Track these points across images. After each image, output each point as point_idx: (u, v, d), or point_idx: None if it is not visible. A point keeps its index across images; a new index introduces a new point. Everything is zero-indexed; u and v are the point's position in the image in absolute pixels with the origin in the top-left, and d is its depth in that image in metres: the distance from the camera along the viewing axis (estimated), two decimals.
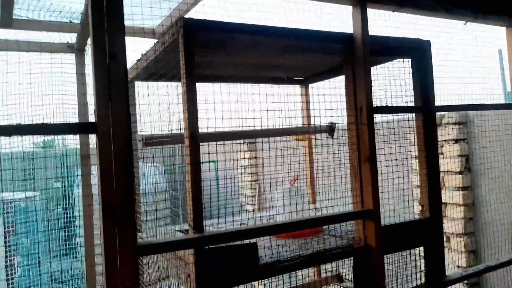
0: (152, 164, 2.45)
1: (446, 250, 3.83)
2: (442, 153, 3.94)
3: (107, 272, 1.41)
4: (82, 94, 2.44)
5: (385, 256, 2.10)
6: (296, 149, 2.90)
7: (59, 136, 3.87)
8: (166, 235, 2.23)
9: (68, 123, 1.57)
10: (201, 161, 1.68)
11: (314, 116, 2.62)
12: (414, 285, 2.37)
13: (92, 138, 2.42)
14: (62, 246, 4.33)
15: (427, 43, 2.39)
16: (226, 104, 1.97)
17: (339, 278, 2.83)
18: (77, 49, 2.55)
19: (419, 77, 2.36)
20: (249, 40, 1.96)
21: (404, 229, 2.25)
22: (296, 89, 3.26)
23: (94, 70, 1.43)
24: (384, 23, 2.38)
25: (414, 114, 2.40)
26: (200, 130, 1.68)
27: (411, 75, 2.40)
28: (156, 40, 1.99)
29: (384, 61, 2.49)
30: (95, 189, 1.50)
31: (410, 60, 2.41)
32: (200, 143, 1.69)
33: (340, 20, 2.19)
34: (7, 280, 4.37)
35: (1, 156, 2.56)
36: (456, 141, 3.85)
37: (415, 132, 2.40)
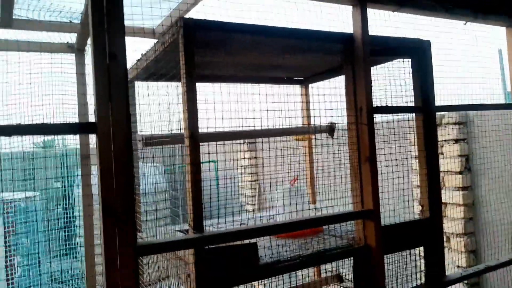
0: (152, 164, 2.45)
1: (446, 250, 3.83)
2: (442, 153, 3.94)
3: (107, 272, 1.41)
4: (82, 94, 2.44)
5: (385, 256, 2.10)
6: (296, 149, 2.90)
7: (59, 136, 3.87)
8: (166, 235, 2.23)
9: (68, 123, 1.57)
10: (201, 161, 1.68)
11: (314, 116, 2.62)
12: (414, 285, 2.37)
13: (92, 138, 2.42)
14: (62, 246, 4.33)
15: (427, 43, 2.39)
16: (226, 104, 1.97)
17: (339, 278, 2.83)
18: (77, 49, 2.55)
19: (419, 77, 2.37)
20: (249, 40, 1.96)
21: (404, 229, 2.25)
22: (296, 89, 3.26)
23: (94, 70, 1.43)
24: (385, 23, 2.38)
25: (414, 114, 2.40)
26: (200, 130, 1.68)
27: (411, 75, 2.40)
28: (156, 40, 1.99)
29: (384, 61, 2.49)
30: (95, 189, 1.50)
31: (410, 60, 2.41)
32: (200, 143, 1.69)
33: (340, 20, 2.19)
34: (7, 280, 4.37)
35: (1, 156, 2.56)
36: (456, 141, 3.85)
37: (415, 132, 2.40)
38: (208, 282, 1.69)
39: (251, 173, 6.67)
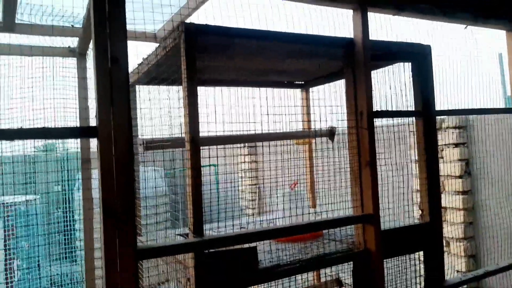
0: (153, 168, 2.45)
1: (445, 254, 3.83)
2: (442, 157, 3.94)
3: (106, 273, 1.41)
4: (83, 98, 2.45)
5: (384, 260, 2.10)
6: (297, 153, 2.91)
7: (60, 140, 3.88)
8: (166, 239, 2.23)
9: (70, 127, 1.57)
10: (201, 165, 1.69)
11: (315, 120, 2.62)
12: None
13: (93, 142, 2.42)
14: (61, 249, 4.32)
15: (428, 48, 2.40)
16: (227, 108, 1.98)
17: (338, 283, 2.83)
18: (79, 53, 2.57)
19: (419, 81, 2.37)
20: (250, 45, 1.97)
21: (404, 234, 2.25)
22: (297, 93, 3.26)
23: (95, 73, 1.44)
24: (385, 26, 2.39)
25: (414, 118, 2.41)
26: (200, 134, 1.69)
27: (411, 79, 2.41)
28: (157, 45, 2.00)
29: (384, 65, 2.49)
30: (96, 193, 1.51)
31: (410, 64, 2.42)
32: (201, 147, 1.69)
33: (339, 24, 2.20)
34: (6, 283, 4.36)
35: (2, 159, 2.56)
36: (456, 145, 3.86)
37: (415, 136, 2.40)
38: (208, 286, 1.69)
39: (251, 177, 6.67)
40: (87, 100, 2.45)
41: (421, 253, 2.36)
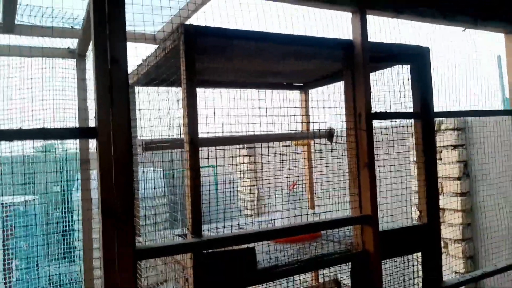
0: (152, 168, 2.46)
1: (444, 256, 3.84)
2: (440, 159, 3.95)
3: (105, 274, 1.41)
4: (82, 99, 2.46)
5: (383, 261, 2.11)
6: (295, 154, 2.92)
7: (59, 141, 3.88)
8: (165, 240, 2.24)
9: (69, 128, 1.58)
10: (200, 165, 1.70)
11: (314, 122, 2.63)
12: None
13: (92, 143, 2.43)
14: (60, 250, 4.32)
15: (426, 50, 2.41)
16: (226, 109, 1.99)
17: (337, 283, 2.83)
18: (78, 55, 2.57)
19: (418, 83, 2.38)
20: (249, 47, 1.98)
21: (402, 235, 2.26)
22: (296, 94, 3.27)
23: (95, 74, 1.44)
24: (385, 28, 2.40)
25: (412, 120, 2.41)
26: (199, 135, 1.70)
27: (410, 81, 2.42)
28: (157, 46, 2.01)
29: (383, 67, 2.50)
30: (94, 194, 1.51)
31: (409, 66, 2.43)
32: (200, 148, 1.70)
33: (338, 26, 2.21)
34: (5, 283, 4.36)
35: (1, 160, 2.57)
36: (455, 147, 3.87)
37: (413, 138, 2.41)
38: (206, 286, 1.69)
39: (250, 178, 6.67)
40: (86, 101, 2.46)
41: (419, 254, 2.37)
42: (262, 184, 6.37)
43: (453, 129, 3.87)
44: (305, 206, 2.60)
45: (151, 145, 2.11)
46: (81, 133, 1.81)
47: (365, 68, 2.06)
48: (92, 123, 1.49)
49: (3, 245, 4.40)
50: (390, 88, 2.42)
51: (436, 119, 3.74)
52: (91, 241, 2.60)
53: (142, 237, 2.32)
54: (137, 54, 2.07)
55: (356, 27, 2.10)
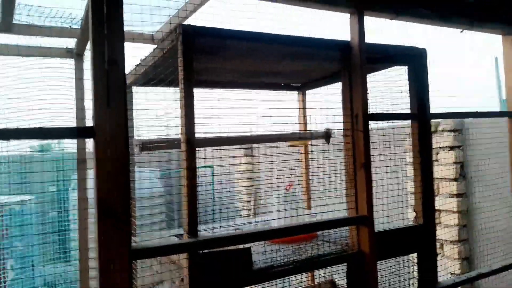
0: (149, 168, 2.46)
1: (440, 257, 3.85)
2: (437, 160, 3.97)
3: (101, 274, 1.41)
4: (80, 99, 2.46)
5: (378, 262, 2.11)
6: (292, 154, 2.92)
7: (56, 140, 3.87)
8: (161, 240, 2.24)
9: (66, 127, 1.57)
10: (197, 166, 1.70)
11: (311, 122, 2.64)
12: None
13: (89, 143, 2.42)
14: (56, 249, 4.32)
15: (423, 51, 2.42)
16: (223, 109, 1.99)
17: (333, 284, 2.84)
18: (76, 54, 2.57)
19: (415, 84, 2.39)
20: (247, 47, 1.99)
21: (398, 235, 2.27)
22: (293, 95, 3.28)
23: (93, 74, 1.45)
24: (382, 29, 2.41)
25: (409, 121, 2.42)
26: (196, 135, 1.70)
27: (407, 82, 2.43)
28: (155, 46, 2.01)
29: (381, 68, 2.51)
30: (91, 193, 1.51)
31: (406, 67, 2.44)
32: (197, 148, 1.70)
33: (337, 27, 2.22)
34: None
35: None
36: (451, 148, 3.88)
37: (410, 139, 2.42)
38: (202, 286, 1.69)
39: (247, 179, 6.68)
40: (84, 101, 2.46)
41: (415, 255, 2.38)
42: (259, 185, 6.38)
43: (450, 131, 3.89)
44: (302, 207, 2.60)
45: (148, 145, 2.11)
46: (79, 132, 1.81)
47: (362, 69, 2.07)
48: (89, 123, 1.49)
49: None
50: (387, 89, 2.43)
51: (433, 121, 3.77)
52: (87, 241, 2.60)
53: (138, 237, 2.32)
54: (135, 54, 2.08)
55: (353, 28, 2.11)
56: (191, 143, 1.68)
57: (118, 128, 1.45)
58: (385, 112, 2.31)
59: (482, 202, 3.74)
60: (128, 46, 1.49)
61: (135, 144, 2.14)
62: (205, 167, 2.03)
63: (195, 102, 1.69)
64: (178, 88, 1.71)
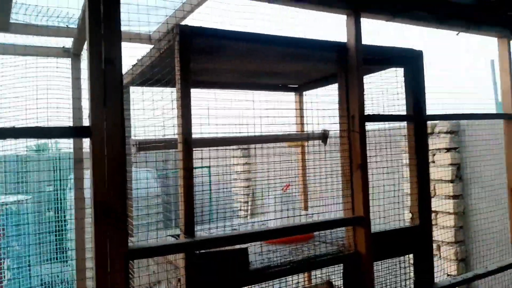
0: (146, 169, 2.46)
1: (436, 258, 3.86)
2: (433, 162, 3.98)
3: (98, 273, 1.41)
4: (77, 98, 2.45)
5: (375, 263, 2.12)
6: (289, 155, 2.93)
7: (52, 140, 3.87)
8: (157, 240, 2.23)
9: (63, 127, 1.57)
10: (194, 166, 1.70)
11: (308, 123, 2.64)
12: None
13: (86, 142, 2.42)
14: (52, 249, 4.30)
15: (420, 53, 2.43)
16: (221, 110, 2.00)
17: (329, 285, 2.85)
18: (73, 54, 2.57)
19: (411, 86, 2.40)
20: (244, 48, 1.99)
21: (394, 236, 2.28)
22: (291, 96, 3.29)
23: (89, 74, 1.45)
24: (380, 31, 2.42)
25: (405, 122, 2.43)
26: (193, 136, 1.70)
27: (403, 84, 2.44)
28: (152, 46, 2.01)
29: (377, 70, 2.52)
30: (88, 193, 1.51)
31: (402, 69, 2.45)
32: (194, 149, 1.71)
33: (335, 27, 2.22)
34: None
35: None
36: (448, 150, 3.89)
37: (406, 140, 2.43)
38: (199, 286, 1.70)
39: (244, 179, 6.68)
40: (81, 100, 2.45)
41: (411, 255, 2.39)
42: (255, 185, 6.38)
43: (447, 132, 3.90)
44: (298, 207, 2.61)
45: (145, 145, 2.11)
46: (75, 132, 1.80)
47: (359, 70, 2.08)
48: (86, 122, 1.49)
49: None
50: (383, 90, 2.43)
51: (430, 122, 3.79)
52: (84, 241, 2.59)
53: (135, 238, 2.32)
54: (132, 54, 2.08)
55: (350, 30, 2.11)
56: (188, 143, 1.68)
57: (115, 128, 1.45)
58: (381, 113, 2.31)
59: (479, 204, 3.75)
60: (125, 46, 1.49)
61: (132, 144, 2.14)
62: (201, 167, 2.03)
63: (192, 103, 1.70)
64: (175, 88, 1.71)
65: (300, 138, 2.99)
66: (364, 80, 2.12)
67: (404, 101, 2.42)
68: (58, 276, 4.24)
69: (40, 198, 4.59)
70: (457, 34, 2.82)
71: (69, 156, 2.61)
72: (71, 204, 3.70)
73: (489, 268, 2.74)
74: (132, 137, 2.24)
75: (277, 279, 2.02)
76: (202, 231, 2.32)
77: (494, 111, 3.90)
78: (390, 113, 2.37)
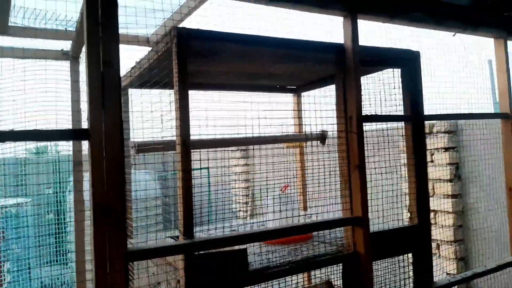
0: (145, 170, 2.46)
1: (436, 257, 3.87)
2: (432, 161, 3.99)
3: (97, 275, 1.42)
4: (76, 101, 2.46)
5: (374, 262, 2.13)
6: (288, 156, 2.93)
7: (52, 143, 3.87)
8: (157, 241, 2.24)
9: (61, 130, 1.58)
10: (193, 168, 1.71)
11: (306, 124, 2.65)
12: None
13: (85, 145, 2.43)
14: (52, 252, 4.31)
15: (417, 54, 2.44)
16: (219, 111, 2.00)
17: (329, 285, 2.85)
18: (72, 57, 2.57)
19: (409, 86, 2.41)
20: (242, 50, 2.00)
21: (393, 236, 2.29)
22: (289, 97, 3.30)
23: (88, 77, 1.45)
24: (377, 31, 2.43)
25: (403, 122, 2.44)
26: (192, 137, 1.71)
27: (400, 84, 2.45)
28: (150, 49, 2.02)
29: (375, 70, 2.53)
30: (87, 195, 1.52)
31: (400, 70, 2.46)
32: (192, 150, 1.71)
33: (332, 29, 2.23)
34: None
35: None
36: (446, 149, 3.91)
37: (404, 140, 2.44)
38: (198, 287, 1.70)
39: (243, 180, 6.69)
40: (80, 103, 2.46)
41: (410, 255, 2.39)
42: (253, 186, 6.39)
43: (445, 132, 3.92)
44: (298, 208, 2.61)
45: (144, 147, 2.12)
46: (74, 135, 1.81)
47: (356, 71, 2.09)
48: (85, 125, 1.50)
49: None
50: (381, 91, 2.44)
51: (428, 122, 3.80)
52: (84, 243, 2.60)
53: (134, 239, 2.33)
54: (130, 56, 2.09)
55: (347, 31, 2.12)
56: (186, 144, 1.69)
57: (113, 129, 1.46)
58: (379, 114, 2.32)
59: (477, 203, 3.76)
60: (123, 49, 1.50)
61: (131, 146, 2.15)
62: (200, 169, 2.04)
63: (191, 104, 1.70)
64: (173, 90, 1.72)
65: (298, 139, 3.00)
66: (362, 81, 2.13)
67: (401, 102, 2.43)
68: (58, 279, 4.24)
69: (40, 201, 4.60)
70: (454, 35, 2.83)
71: (68, 158, 2.62)
72: (70, 207, 3.71)
73: (488, 267, 2.75)
74: (131, 139, 2.25)
75: (277, 280, 2.02)
76: (201, 232, 2.33)
77: (491, 111, 3.91)
78: (388, 114, 2.38)
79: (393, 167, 2.47)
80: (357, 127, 2.07)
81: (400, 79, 2.44)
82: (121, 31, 1.52)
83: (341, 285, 2.19)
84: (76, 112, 2.48)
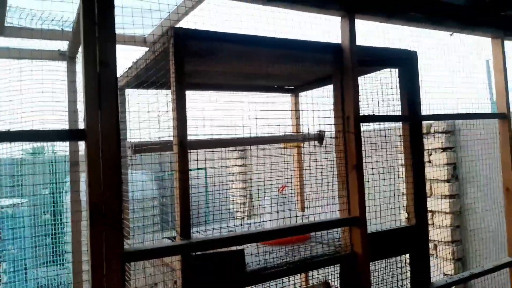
0: (142, 171, 2.46)
1: (433, 258, 3.88)
2: (429, 161, 4.00)
3: (93, 276, 1.41)
4: (72, 101, 2.45)
5: (371, 263, 2.12)
6: (285, 156, 2.93)
7: (48, 143, 3.86)
8: (154, 242, 2.23)
9: (58, 130, 1.58)
10: (190, 168, 1.70)
11: (303, 124, 2.64)
12: None
13: (82, 145, 2.42)
14: (49, 252, 4.29)
15: (414, 54, 2.44)
16: (216, 112, 2.00)
17: (327, 285, 2.85)
18: (69, 57, 2.57)
19: (406, 86, 2.41)
20: (239, 50, 2.00)
21: (390, 236, 2.28)
22: (287, 97, 3.29)
23: (84, 77, 1.45)
24: (375, 31, 2.43)
25: (401, 122, 2.44)
26: (189, 138, 1.70)
27: (398, 84, 2.45)
28: (147, 49, 2.01)
29: (373, 71, 2.53)
30: (84, 195, 1.51)
31: (397, 70, 2.46)
32: (189, 151, 1.71)
33: (330, 28, 2.23)
34: None
35: None
36: (444, 149, 3.91)
37: (401, 140, 2.44)
38: None
39: (240, 180, 6.68)
40: (76, 103, 2.45)
41: (408, 255, 2.39)
42: (251, 186, 6.39)
43: (442, 132, 3.92)
44: (295, 208, 2.61)
45: (141, 148, 2.11)
46: (70, 135, 1.80)
47: (354, 71, 2.09)
48: (82, 125, 1.49)
49: None
50: (378, 91, 2.44)
51: (426, 122, 3.81)
52: (80, 244, 2.59)
53: (131, 240, 2.32)
54: (127, 56, 2.08)
55: (344, 31, 2.12)
56: (184, 145, 1.68)
57: (110, 130, 1.45)
58: (376, 114, 2.32)
59: (475, 203, 3.77)
60: (120, 49, 1.50)
61: (128, 146, 2.14)
62: (197, 169, 2.03)
63: (188, 105, 1.70)
64: (170, 91, 1.72)
65: (296, 139, 2.99)
66: (360, 81, 2.13)
67: (399, 102, 2.43)
68: (54, 279, 4.22)
69: (36, 201, 4.58)
70: (451, 34, 2.84)
71: (65, 159, 2.61)
72: (67, 207, 3.69)
73: (485, 267, 2.75)
74: (128, 140, 2.24)
75: (274, 280, 2.02)
76: (198, 233, 2.32)
77: (489, 111, 3.92)
78: (385, 114, 2.38)
79: (390, 167, 2.47)
80: (355, 127, 2.07)
81: (397, 79, 2.44)
82: (118, 31, 1.51)
83: (338, 285, 2.19)
84: (72, 112, 2.47)
